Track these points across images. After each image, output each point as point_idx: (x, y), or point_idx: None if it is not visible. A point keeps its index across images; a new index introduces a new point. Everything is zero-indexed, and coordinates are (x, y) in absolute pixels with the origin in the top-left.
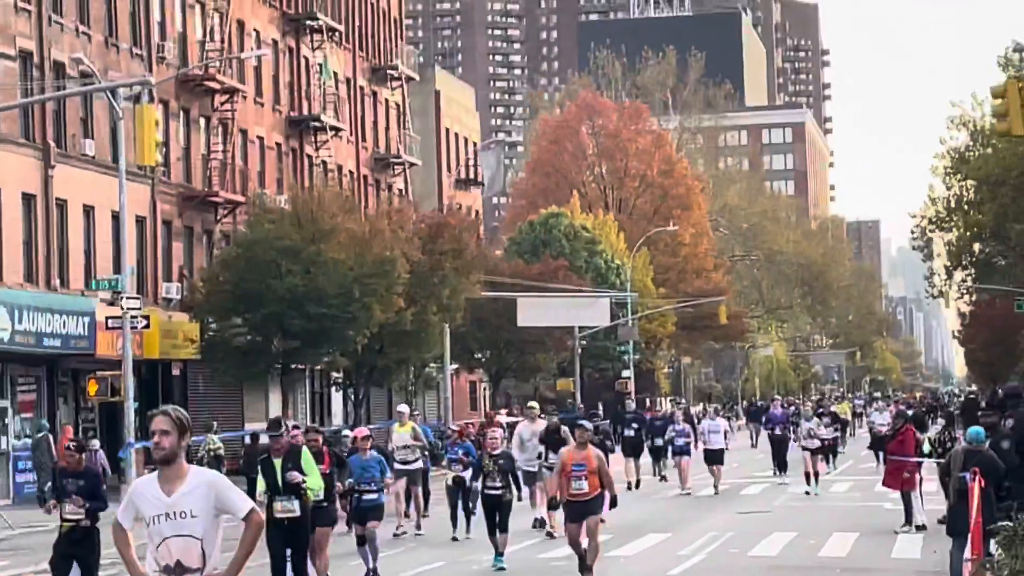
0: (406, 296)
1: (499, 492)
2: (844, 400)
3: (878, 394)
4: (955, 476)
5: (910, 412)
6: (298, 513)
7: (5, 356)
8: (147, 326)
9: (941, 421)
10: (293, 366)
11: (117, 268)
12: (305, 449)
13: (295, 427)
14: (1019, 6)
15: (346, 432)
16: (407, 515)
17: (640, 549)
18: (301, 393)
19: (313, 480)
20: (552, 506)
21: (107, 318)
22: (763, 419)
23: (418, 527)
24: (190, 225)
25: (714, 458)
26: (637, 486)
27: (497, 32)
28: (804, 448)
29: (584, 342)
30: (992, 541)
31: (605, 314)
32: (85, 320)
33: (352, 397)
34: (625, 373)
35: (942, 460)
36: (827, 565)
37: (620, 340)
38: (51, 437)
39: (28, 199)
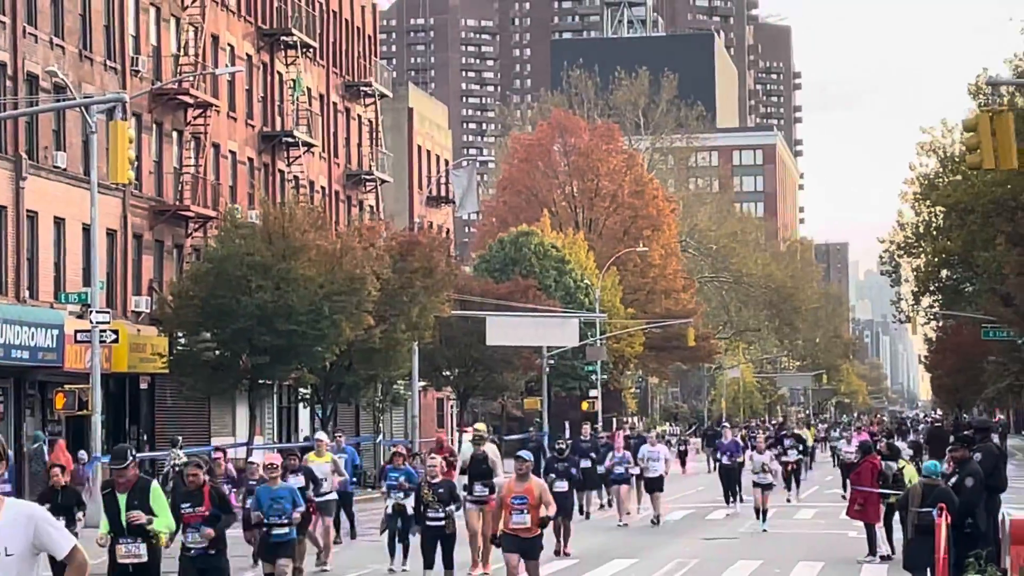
0: (375, 314)
1: (442, 524)
2: (810, 426)
3: (844, 419)
4: (912, 511)
5: (875, 441)
6: (145, 558)
7: None
8: (116, 340)
9: (905, 444)
10: (261, 381)
11: (87, 281)
12: (155, 484)
13: (56, 467)
14: (990, 33)
15: (253, 459)
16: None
17: (613, 572)
18: (268, 408)
19: (161, 521)
20: (493, 541)
21: (76, 331)
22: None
23: (323, 562)
24: (161, 239)
25: (652, 486)
26: (587, 516)
27: (471, 48)
28: (755, 484)
29: (552, 361)
30: None
31: (574, 334)
32: (54, 333)
33: (320, 413)
34: (592, 393)
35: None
36: None
37: (588, 360)
38: (45, 449)
39: None
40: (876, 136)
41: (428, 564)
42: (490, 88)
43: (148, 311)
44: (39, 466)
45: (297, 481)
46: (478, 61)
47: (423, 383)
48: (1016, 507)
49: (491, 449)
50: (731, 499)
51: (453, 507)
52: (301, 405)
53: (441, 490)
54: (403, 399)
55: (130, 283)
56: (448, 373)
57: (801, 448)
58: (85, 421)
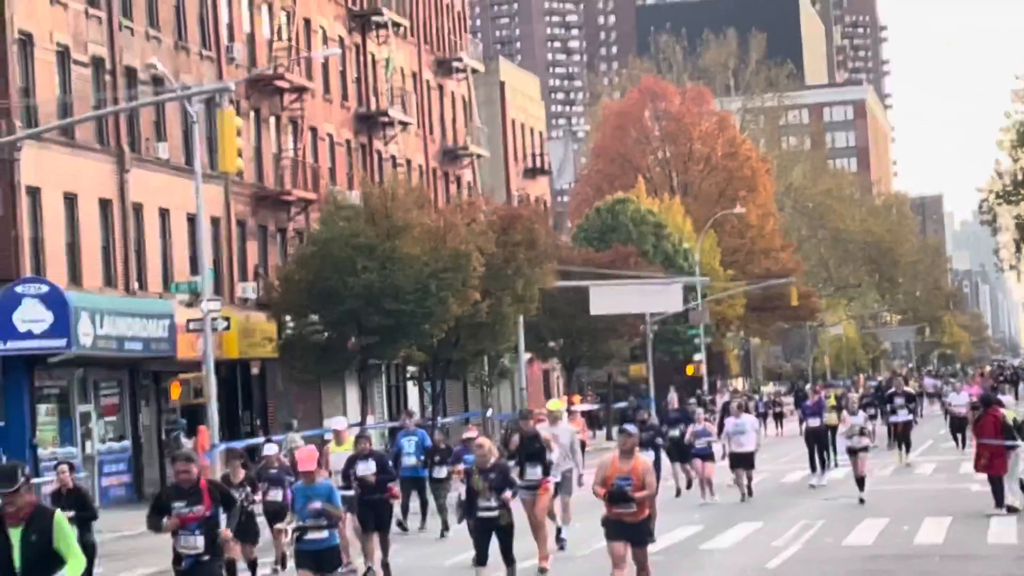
0: (481, 289)
1: (494, 514)
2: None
3: (952, 373)
4: None
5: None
6: None
7: (87, 361)
8: (228, 327)
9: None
10: (370, 361)
11: (194, 270)
12: (59, 515)
13: (63, 464)
14: None
15: (268, 449)
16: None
17: (733, 541)
18: (378, 388)
19: (72, 567)
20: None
21: (187, 320)
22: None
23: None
24: (264, 224)
25: (741, 462)
26: (678, 493)
27: (555, 19)
28: (849, 449)
29: (656, 327)
30: None
31: (677, 300)
32: (165, 323)
33: (428, 390)
34: (696, 356)
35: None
36: (925, 553)
37: (691, 324)
38: (183, 436)
39: (104, 204)
40: (968, 85)
41: (479, 560)
42: (576, 58)
43: (255, 296)
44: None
45: (368, 468)
46: (563, 31)
47: (529, 355)
48: None
49: (564, 430)
50: (817, 467)
51: (509, 493)
52: (410, 383)
53: (493, 475)
54: (510, 372)
55: (236, 269)
56: (553, 344)
57: (911, 407)
58: (200, 410)
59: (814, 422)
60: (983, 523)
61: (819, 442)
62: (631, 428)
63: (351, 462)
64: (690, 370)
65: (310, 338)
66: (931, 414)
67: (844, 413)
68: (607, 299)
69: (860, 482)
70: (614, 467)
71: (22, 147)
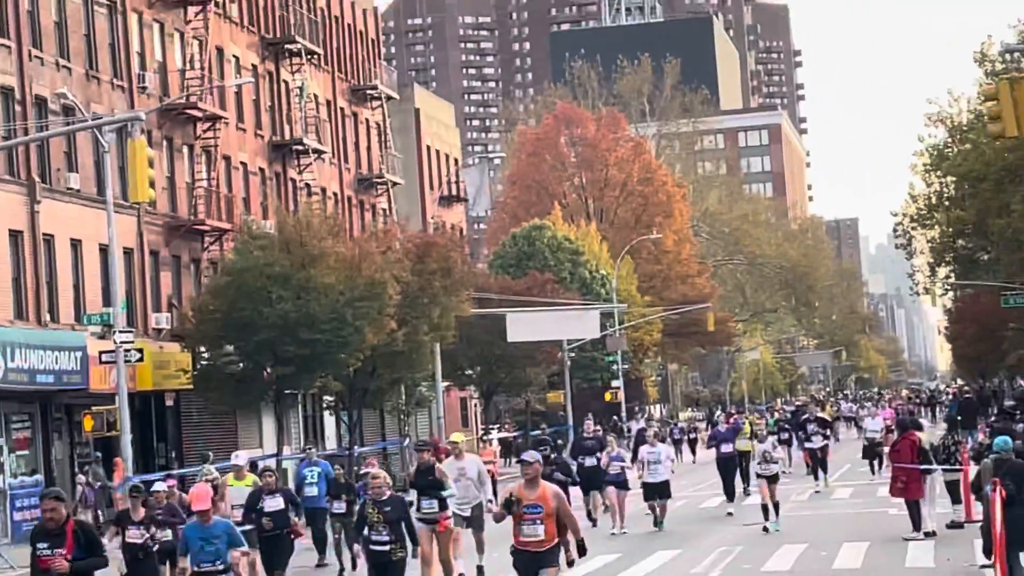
0: (397, 317)
1: (386, 548)
2: (825, 405)
3: (868, 397)
4: (986, 491)
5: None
6: None
7: None
8: (141, 359)
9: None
10: (286, 391)
11: (107, 301)
12: None
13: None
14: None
15: (159, 486)
16: None
17: (651, 569)
18: (295, 418)
19: None
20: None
21: (100, 352)
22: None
23: None
24: (177, 254)
25: (655, 492)
26: (594, 523)
27: (470, 46)
28: (758, 475)
29: (573, 354)
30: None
31: (595, 326)
32: (77, 355)
33: (345, 420)
34: (614, 383)
35: (951, 467)
36: None
37: (608, 350)
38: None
39: (15, 236)
40: (883, 109)
41: None
42: (491, 84)
43: (169, 327)
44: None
45: (275, 504)
46: (478, 58)
47: (446, 383)
48: None
49: (471, 461)
50: (733, 496)
51: (403, 527)
52: (327, 413)
53: (388, 508)
54: (427, 401)
55: (149, 300)
56: (471, 372)
57: (826, 433)
58: (114, 442)
59: (726, 448)
60: (901, 547)
61: (731, 469)
62: (532, 455)
63: (257, 497)
64: (608, 397)
65: (225, 369)
66: (848, 438)
67: (755, 441)
68: (524, 326)
69: (765, 510)
70: (520, 496)
71: None
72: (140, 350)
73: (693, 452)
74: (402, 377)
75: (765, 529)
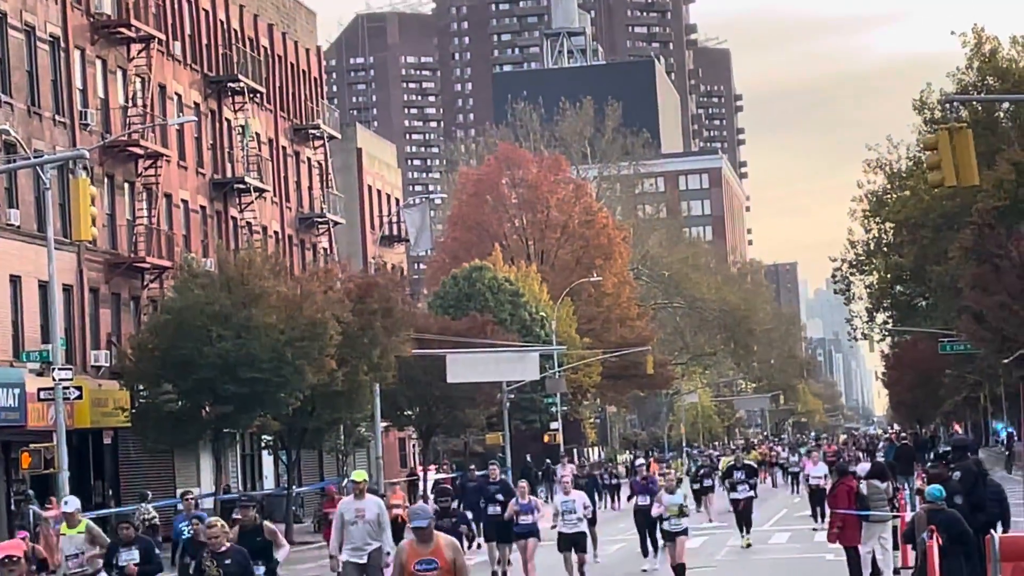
0: (337, 357)
1: None
2: (752, 449)
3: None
4: (921, 539)
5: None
6: None
7: None
8: (80, 396)
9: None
10: (225, 430)
11: (45, 338)
12: None
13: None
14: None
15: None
16: None
17: None
18: (233, 457)
19: None
20: None
21: (39, 389)
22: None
23: None
24: (117, 292)
25: (569, 543)
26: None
27: (412, 85)
28: (666, 533)
29: (512, 396)
30: None
31: (535, 368)
32: (15, 392)
33: (284, 459)
34: (553, 425)
35: (889, 513)
36: None
37: (548, 392)
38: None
39: None
40: (821, 155)
41: None
42: (433, 124)
43: (108, 365)
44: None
45: (131, 556)
46: (420, 98)
47: (385, 424)
48: None
49: (371, 503)
50: (649, 550)
51: None
52: (265, 452)
53: (228, 562)
54: (366, 441)
55: (88, 338)
56: (410, 412)
57: (753, 483)
58: (51, 479)
59: (643, 500)
60: None
61: (649, 522)
62: (421, 511)
63: (113, 549)
64: (547, 439)
65: (163, 407)
66: (785, 483)
67: (662, 492)
68: (464, 368)
69: (677, 572)
70: (412, 552)
71: None
72: (79, 388)
73: (615, 499)
74: (341, 417)
75: None
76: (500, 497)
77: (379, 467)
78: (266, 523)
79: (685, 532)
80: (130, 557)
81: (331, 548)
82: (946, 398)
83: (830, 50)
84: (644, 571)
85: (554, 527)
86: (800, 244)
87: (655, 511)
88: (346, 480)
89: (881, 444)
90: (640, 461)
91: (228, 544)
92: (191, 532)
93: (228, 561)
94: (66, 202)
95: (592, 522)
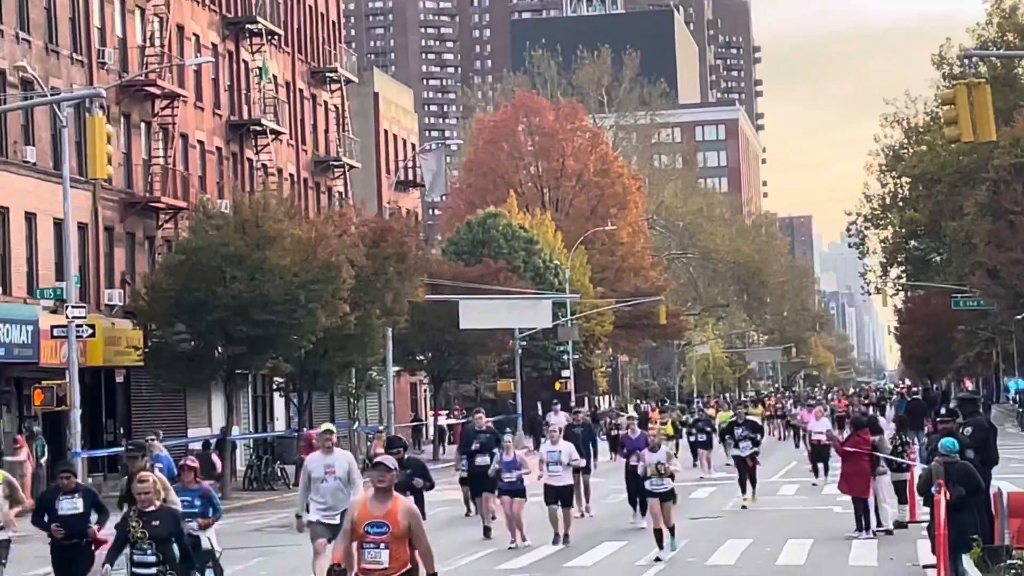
0: (350, 301)
1: (151, 572)
2: (759, 402)
3: (812, 397)
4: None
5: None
6: None
7: None
8: (92, 335)
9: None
10: (237, 372)
11: (60, 275)
12: None
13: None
14: (953, 5)
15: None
16: None
17: (597, 559)
18: (244, 398)
19: None
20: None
21: (52, 326)
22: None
23: None
24: (132, 231)
25: (555, 496)
26: (487, 533)
27: (430, 31)
28: (649, 492)
29: (524, 343)
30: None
31: (547, 316)
32: (28, 328)
33: (295, 402)
34: (564, 373)
35: (899, 467)
36: (786, 573)
37: (560, 340)
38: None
39: None
40: (838, 108)
41: None
42: (451, 70)
43: (121, 304)
44: None
45: (72, 506)
46: (438, 43)
47: (397, 368)
48: (1007, 480)
49: (340, 456)
50: (637, 507)
51: (175, 545)
52: (277, 394)
53: (156, 523)
54: (377, 385)
55: (103, 276)
56: (422, 357)
57: (756, 439)
58: (63, 417)
59: (634, 460)
60: (844, 546)
61: (637, 480)
62: (388, 462)
63: (51, 498)
64: (558, 386)
65: (176, 347)
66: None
67: (644, 450)
68: (476, 314)
69: (658, 535)
70: (363, 511)
71: None
72: (92, 326)
73: (615, 450)
74: (353, 360)
75: (658, 559)
76: (493, 448)
77: (390, 411)
78: (156, 474)
79: (671, 496)
80: (72, 506)
81: (298, 507)
82: (958, 354)
83: (849, 4)
84: (631, 523)
85: (540, 478)
86: (815, 198)
87: (640, 469)
88: (363, 425)
89: (894, 398)
90: (631, 413)
91: (158, 503)
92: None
93: (156, 522)
94: (82, 140)
95: (586, 471)
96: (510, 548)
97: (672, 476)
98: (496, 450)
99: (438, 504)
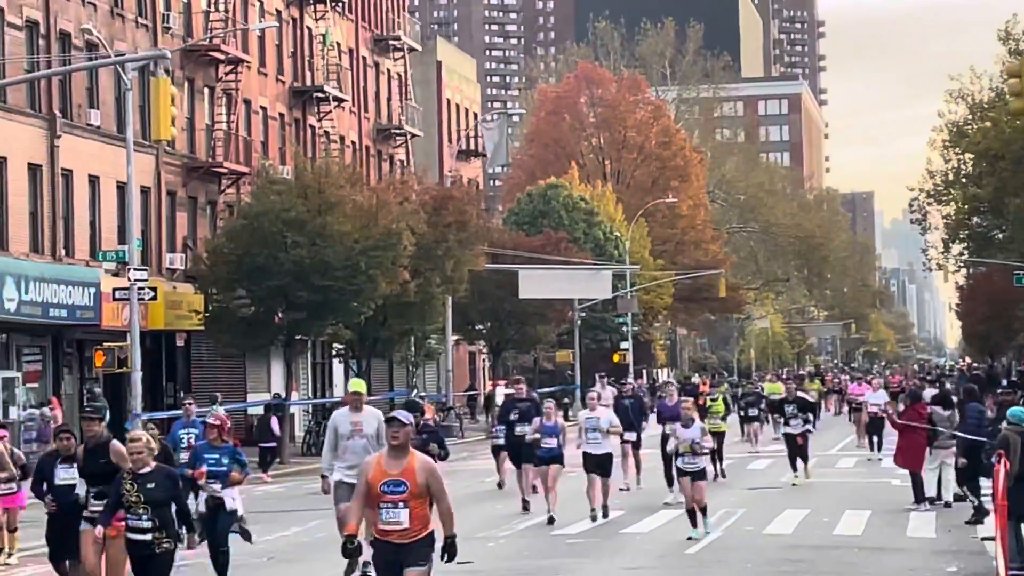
0: (410, 268)
1: (147, 537)
2: (817, 376)
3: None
4: (1015, 460)
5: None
6: None
7: (11, 326)
8: (154, 297)
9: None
10: (297, 337)
11: (122, 239)
12: None
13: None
14: None
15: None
16: None
17: (655, 526)
18: (303, 364)
19: None
20: (346, 548)
21: (114, 289)
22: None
23: None
24: (194, 196)
25: (596, 465)
26: (525, 507)
27: (494, 2)
28: (680, 471)
29: (583, 314)
30: None
31: (606, 286)
32: (90, 291)
33: (354, 369)
34: (623, 345)
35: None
36: (843, 544)
37: (619, 312)
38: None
39: (34, 169)
40: (901, 84)
41: None
42: (513, 41)
43: (183, 268)
44: None
45: (69, 475)
46: (501, 14)
47: (456, 337)
48: None
49: (370, 415)
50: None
51: (172, 508)
52: (336, 361)
53: (151, 486)
54: (436, 353)
55: (164, 240)
56: (481, 327)
57: (807, 417)
58: (123, 379)
59: (668, 429)
60: (902, 517)
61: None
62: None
63: (51, 463)
64: (617, 358)
65: (237, 312)
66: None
67: (677, 426)
68: (536, 283)
69: (691, 515)
70: (379, 469)
71: None
72: (153, 288)
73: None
74: (412, 328)
75: (690, 538)
76: (528, 414)
77: (448, 380)
78: (115, 443)
79: (703, 474)
80: (69, 476)
81: (322, 466)
82: (1020, 331)
83: None
84: (666, 504)
85: (580, 447)
86: (877, 174)
87: (670, 446)
88: (419, 393)
89: (955, 374)
90: (670, 379)
91: (153, 464)
92: (189, 439)
93: (151, 485)
94: (146, 104)
95: (636, 444)
96: (549, 523)
97: (705, 453)
98: (537, 419)
99: (482, 474)
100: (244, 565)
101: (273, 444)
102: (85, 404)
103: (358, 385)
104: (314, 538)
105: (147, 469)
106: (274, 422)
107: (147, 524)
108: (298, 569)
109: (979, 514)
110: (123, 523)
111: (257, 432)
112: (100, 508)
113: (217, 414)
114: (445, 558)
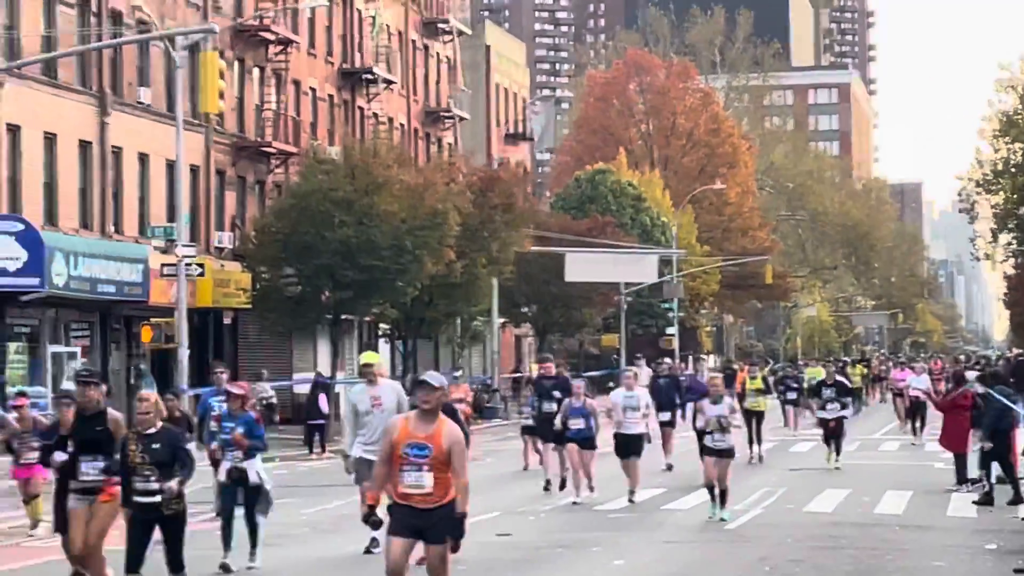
0: (456, 249)
1: (155, 499)
2: (861, 362)
3: (912, 358)
4: None
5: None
6: None
7: (60, 301)
8: (201, 274)
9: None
10: (343, 316)
11: (171, 216)
12: None
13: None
14: None
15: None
16: None
17: (695, 503)
18: (349, 344)
19: None
20: (368, 519)
21: (162, 265)
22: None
23: None
24: (243, 175)
25: (628, 448)
26: (555, 485)
27: None
28: (707, 451)
29: (629, 299)
30: None
31: (652, 271)
32: (139, 267)
33: (400, 349)
34: (669, 330)
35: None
36: (884, 522)
37: (665, 297)
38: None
39: (84, 146)
40: (951, 74)
41: (131, 566)
42: (563, 28)
43: (231, 247)
44: None
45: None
46: (551, 1)
47: (502, 320)
48: None
49: (388, 388)
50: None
51: (178, 477)
52: (382, 340)
53: (157, 446)
54: (482, 336)
55: (213, 219)
56: (526, 310)
57: (845, 402)
58: (170, 355)
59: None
60: (943, 498)
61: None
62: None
63: (48, 436)
64: (668, 343)
65: (284, 291)
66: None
67: (704, 402)
68: (582, 266)
69: (722, 497)
70: (404, 432)
71: (4, 84)
72: (201, 265)
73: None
74: (458, 309)
75: (722, 519)
76: (556, 394)
77: (495, 362)
78: (111, 411)
79: (730, 452)
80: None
81: (344, 445)
82: None
83: None
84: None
85: (617, 425)
86: (926, 164)
87: (698, 423)
88: (465, 375)
89: (1000, 364)
90: (702, 356)
91: (160, 424)
92: (220, 407)
93: (157, 445)
94: (195, 83)
95: (670, 423)
96: (574, 504)
97: (731, 431)
98: (566, 399)
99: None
100: (284, 536)
101: (322, 422)
102: (81, 368)
103: (371, 357)
104: (356, 511)
105: (153, 430)
106: (322, 400)
107: (155, 486)
108: (338, 540)
109: (988, 498)
110: (117, 488)
111: (306, 410)
112: (92, 474)
113: (241, 383)
114: (454, 536)
